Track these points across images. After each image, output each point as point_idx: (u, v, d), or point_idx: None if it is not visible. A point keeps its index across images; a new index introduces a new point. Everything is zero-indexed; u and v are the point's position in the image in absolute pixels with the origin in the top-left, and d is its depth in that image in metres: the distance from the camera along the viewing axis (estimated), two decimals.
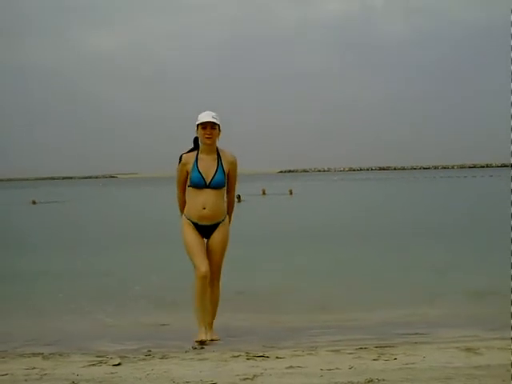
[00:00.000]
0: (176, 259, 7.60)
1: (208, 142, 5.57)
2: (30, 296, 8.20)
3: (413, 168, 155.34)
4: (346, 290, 8.08)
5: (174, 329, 6.33)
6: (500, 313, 6.51)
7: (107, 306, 7.32)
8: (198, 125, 5.59)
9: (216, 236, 5.63)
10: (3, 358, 5.07)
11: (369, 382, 4.06)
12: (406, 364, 4.45)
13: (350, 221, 18.89)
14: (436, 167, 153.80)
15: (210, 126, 5.55)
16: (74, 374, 4.47)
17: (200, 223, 5.57)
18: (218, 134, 5.63)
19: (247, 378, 4.20)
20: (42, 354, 5.15)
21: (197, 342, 5.45)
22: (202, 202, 5.52)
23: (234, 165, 5.70)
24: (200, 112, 5.63)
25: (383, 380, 4.06)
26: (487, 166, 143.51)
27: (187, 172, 5.61)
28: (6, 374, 4.49)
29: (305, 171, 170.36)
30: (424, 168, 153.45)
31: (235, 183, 5.79)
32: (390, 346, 5.04)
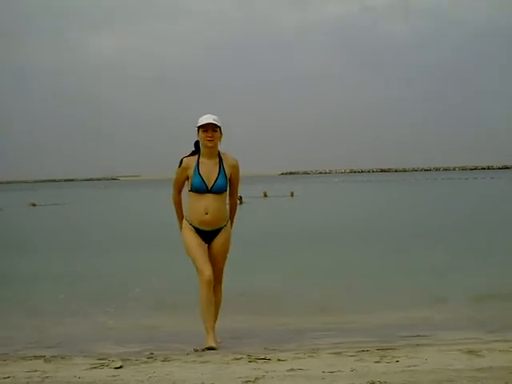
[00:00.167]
0: (176, 261, 7.61)
1: (209, 144, 5.43)
2: (31, 298, 8.21)
3: (414, 170, 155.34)
4: (348, 292, 8.08)
5: (175, 331, 6.33)
6: (502, 315, 6.52)
7: (108, 308, 7.33)
8: (198, 128, 5.46)
9: (218, 242, 5.52)
10: (5, 360, 5.06)
11: None
12: (408, 366, 4.44)
13: (352, 223, 18.88)
14: (437, 169, 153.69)
15: (211, 129, 5.41)
16: (75, 376, 4.47)
17: (201, 228, 5.46)
18: (220, 137, 5.49)
19: (249, 381, 4.19)
20: (44, 356, 5.15)
21: (206, 348, 5.31)
22: (204, 206, 5.40)
23: (236, 168, 5.58)
24: (201, 115, 5.49)
25: (385, 382, 4.04)
26: (488, 168, 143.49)
27: (187, 176, 5.48)
28: (8, 377, 4.48)
29: (306, 173, 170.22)
30: (425, 170, 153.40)
31: (238, 187, 5.67)
32: (391, 349, 5.03)
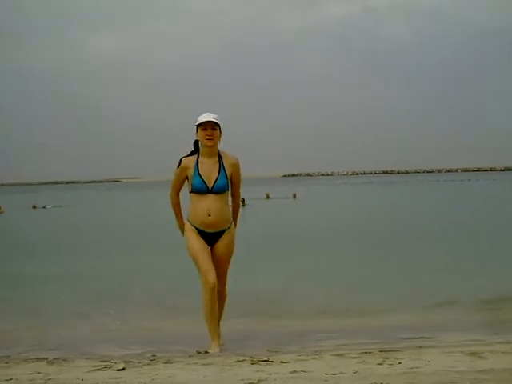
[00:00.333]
0: (176, 263, 7.61)
1: (209, 143, 5.30)
2: (32, 300, 8.21)
3: (416, 171, 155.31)
4: (350, 294, 8.06)
5: (176, 333, 6.32)
6: (504, 316, 6.50)
7: (109, 310, 7.33)
8: (197, 126, 5.31)
9: (221, 244, 5.41)
10: (7, 363, 5.06)
11: None
12: (411, 368, 4.44)
13: (354, 225, 18.86)
14: (440, 170, 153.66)
15: (210, 127, 5.26)
16: (78, 378, 4.47)
17: (204, 230, 5.35)
18: (219, 136, 5.35)
19: (252, 383, 4.19)
20: (47, 358, 5.14)
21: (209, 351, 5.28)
22: (207, 208, 5.29)
23: (236, 167, 5.45)
24: (200, 114, 5.35)
25: None
26: (491, 170, 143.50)
27: (187, 176, 5.37)
28: (11, 379, 4.48)
29: (308, 175, 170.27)
30: (427, 171, 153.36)
31: (239, 186, 5.54)
32: (394, 351, 5.02)
